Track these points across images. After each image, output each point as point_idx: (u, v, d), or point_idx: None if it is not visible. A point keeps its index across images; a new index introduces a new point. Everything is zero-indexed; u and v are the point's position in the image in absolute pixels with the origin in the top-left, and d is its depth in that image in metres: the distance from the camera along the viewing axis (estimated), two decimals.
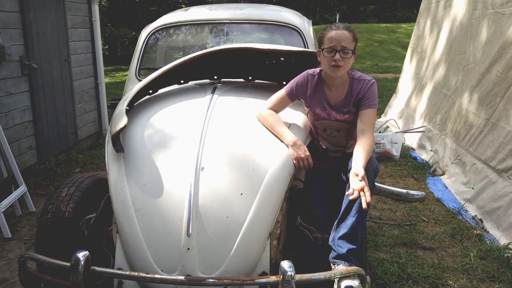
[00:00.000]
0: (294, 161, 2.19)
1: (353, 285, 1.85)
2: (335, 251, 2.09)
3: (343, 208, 2.13)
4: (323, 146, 2.54)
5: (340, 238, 2.09)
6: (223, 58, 2.74)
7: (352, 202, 2.09)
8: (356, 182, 2.10)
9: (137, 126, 2.39)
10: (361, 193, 2.06)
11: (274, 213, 2.03)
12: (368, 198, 2.04)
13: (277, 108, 2.42)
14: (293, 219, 2.21)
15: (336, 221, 2.15)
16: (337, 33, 2.24)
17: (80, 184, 2.43)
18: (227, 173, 2.07)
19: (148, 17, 16.12)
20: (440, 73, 5.50)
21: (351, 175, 2.14)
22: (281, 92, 2.44)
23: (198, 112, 2.37)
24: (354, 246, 2.07)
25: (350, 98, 2.36)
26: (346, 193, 2.14)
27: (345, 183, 2.24)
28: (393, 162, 5.32)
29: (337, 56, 2.22)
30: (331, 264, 2.09)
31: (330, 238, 2.14)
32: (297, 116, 2.55)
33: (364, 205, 2.04)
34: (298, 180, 2.42)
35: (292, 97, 2.44)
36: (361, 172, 2.10)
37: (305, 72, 2.44)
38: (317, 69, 2.42)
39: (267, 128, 2.33)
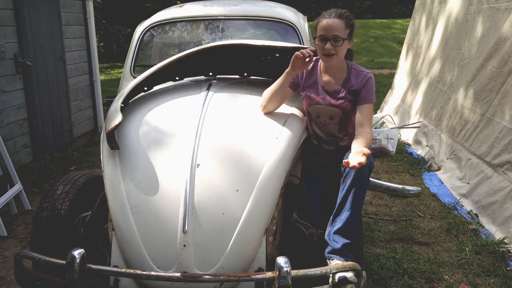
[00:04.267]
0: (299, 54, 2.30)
1: (346, 275, 1.86)
2: (330, 246, 2.09)
3: (338, 202, 2.13)
4: (317, 133, 2.53)
5: (335, 232, 2.10)
6: (218, 54, 2.73)
7: (346, 197, 2.09)
8: (357, 157, 2.01)
9: (132, 123, 2.38)
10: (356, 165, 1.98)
11: (270, 209, 2.03)
12: (362, 161, 1.97)
13: (279, 98, 2.43)
14: (289, 215, 2.22)
15: (332, 216, 2.15)
16: (328, 21, 2.25)
17: (76, 182, 2.42)
18: (223, 170, 2.07)
19: (143, 13, 15.99)
20: (436, 68, 5.51)
21: (353, 153, 2.07)
22: None
23: (193, 109, 2.37)
24: (349, 241, 2.08)
25: (346, 86, 2.38)
26: (342, 169, 2.07)
27: (340, 178, 2.24)
28: (389, 158, 5.33)
29: (328, 45, 2.24)
30: (327, 259, 2.10)
31: (326, 233, 2.14)
32: (294, 111, 2.55)
33: (351, 164, 1.98)
34: (293, 176, 2.42)
35: (292, 86, 2.46)
36: (365, 150, 2.03)
37: None
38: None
39: (271, 95, 2.38)
